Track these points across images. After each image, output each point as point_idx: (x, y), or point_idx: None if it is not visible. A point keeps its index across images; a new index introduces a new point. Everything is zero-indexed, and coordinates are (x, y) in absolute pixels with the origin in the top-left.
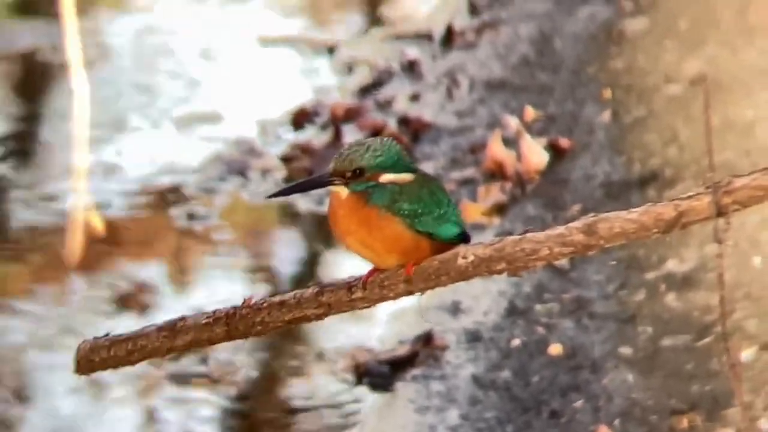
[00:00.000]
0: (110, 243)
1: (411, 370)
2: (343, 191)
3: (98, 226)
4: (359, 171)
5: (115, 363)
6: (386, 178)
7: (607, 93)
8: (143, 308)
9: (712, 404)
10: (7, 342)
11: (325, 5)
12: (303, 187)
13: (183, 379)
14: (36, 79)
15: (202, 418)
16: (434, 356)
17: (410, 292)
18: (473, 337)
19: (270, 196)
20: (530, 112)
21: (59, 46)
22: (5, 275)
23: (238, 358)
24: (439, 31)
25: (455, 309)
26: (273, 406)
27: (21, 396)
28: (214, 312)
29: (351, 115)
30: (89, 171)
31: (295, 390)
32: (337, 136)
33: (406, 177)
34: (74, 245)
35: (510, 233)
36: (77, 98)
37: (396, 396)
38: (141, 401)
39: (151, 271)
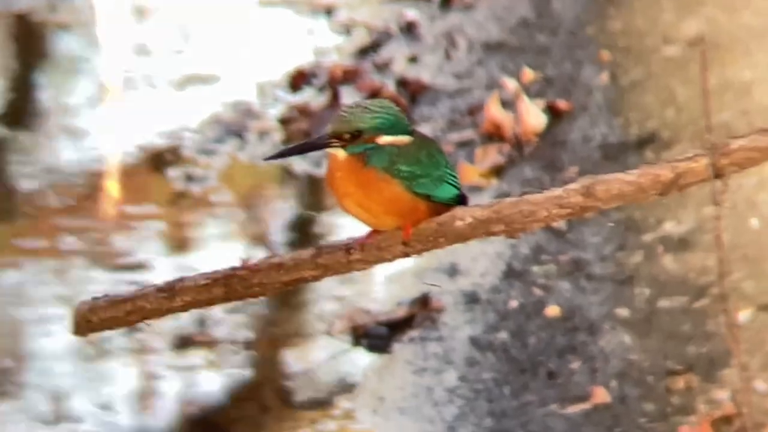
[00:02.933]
0: (108, 204)
1: (409, 332)
2: (340, 153)
3: (114, 187)
4: (357, 133)
5: (113, 324)
6: (384, 140)
7: (606, 54)
8: (141, 269)
9: (708, 365)
10: (3, 303)
11: None
12: (301, 149)
13: (181, 340)
14: (33, 39)
15: (200, 380)
16: (432, 318)
17: (408, 254)
18: (471, 299)
19: (268, 158)
20: (528, 74)
21: (56, 6)
22: (2, 235)
23: (236, 320)
24: None
25: (453, 271)
26: (271, 368)
27: (18, 358)
28: (213, 273)
29: (349, 76)
30: (87, 132)
31: (293, 352)
32: (335, 97)
33: (404, 139)
34: (103, 203)
35: (508, 195)
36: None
37: (394, 358)
38: (139, 363)
39: (149, 231)
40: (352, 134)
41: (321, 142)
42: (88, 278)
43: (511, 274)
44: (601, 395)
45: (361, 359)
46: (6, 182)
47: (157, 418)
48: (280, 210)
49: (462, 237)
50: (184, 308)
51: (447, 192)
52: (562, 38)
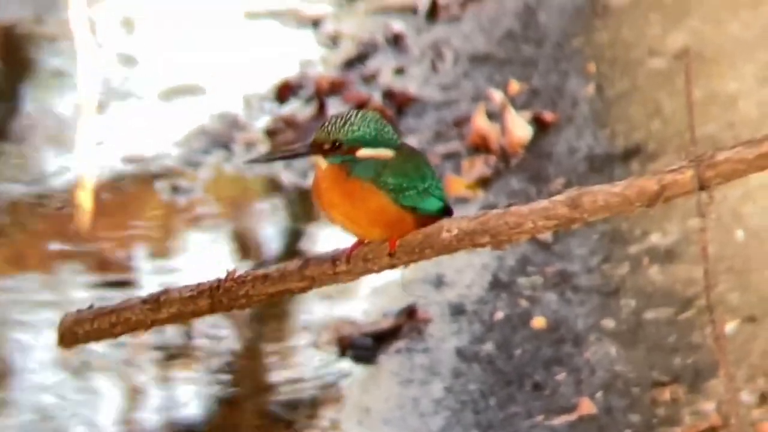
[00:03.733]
0: (94, 215)
1: (394, 343)
2: (322, 163)
3: (88, 200)
4: (337, 144)
5: (98, 336)
6: (363, 153)
7: (592, 66)
8: (127, 281)
9: (694, 376)
10: None
11: None
12: (283, 156)
13: (166, 352)
14: (19, 50)
15: (185, 392)
16: (418, 329)
17: (394, 266)
18: (456, 310)
19: (249, 161)
20: (514, 86)
21: (43, 18)
22: None
23: (222, 332)
24: (424, 4)
25: (439, 282)
26: (256, 379)
27: (2, 370)
28: (198, 285)
29: (336, 88)
30: (73, 143)
31: (278, 363)
32: (322, 109)
33: (384, 153)
34: (79, 217)
35: (494, 207)
36: (82, 72)
37: (379, 369)
38: (124, 374)
39: (135, 243)
40: (332, 145)
41: (302, 150)
42: (73, 290)
43: (497, 285)
44: (587, 407)
45: (347, 370)
46: None
47: (142, 431)
48: (267, 221)
49: (448, 248)
50: (170, 320)
51: (433, 204)
52: (548, 50)
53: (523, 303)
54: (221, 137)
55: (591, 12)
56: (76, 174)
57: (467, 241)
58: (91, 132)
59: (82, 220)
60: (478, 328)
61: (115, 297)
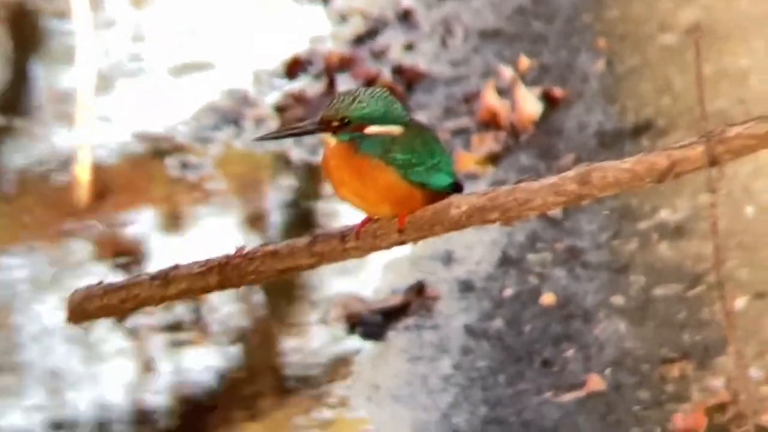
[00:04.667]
0: (104, 191)
1: (403, 320)
2: (330, 140)
3: (86, 175)
4: (345, 121)
5: (107, 312)
6: (372, 130)
7: (602, 42)
8: (136, 257)
9: (703, 353)
10: None
11: None
12: (291, 133)
13: (176, 328)
14: (28, 26)
15: (194, 369)
16: (427, 306)
17: (403, 242)
18: (466, 287)
19: (258, 138)
20: (524, 62)
21: None
22: None
23: (232, 308)
24: None
25: (448, 259)
26: (265, 356)
27: (13, 346)
28: (207, 261)
29: (345, 64)
30: (84, 119)
31: (287, 339)
32: (331, 85)
33: (393, 129)
34: (77, 193)
35: (503, 183)
36: (80, 46)
37: (389, 346)
38: (134, 351)
39: (145, 219)
40: (340, 121)
41: (311, 127)
42: (83, 266)
43: (506, 262)
44: (596, 383)
45: (356, 347)
46: (1, 170)
47: (152, 407)
48: (276, 198)
49: (457, 225)
50: (179, 296)
51: (442, 180)
52: (558, 26)
53: (533, 279)
54: (231, 113)
55: None
56: (95, 149)
57: (476, 217)
58: (106, 106)
59: (80, 195)
60: (487, 304)
61: (125, 273)
